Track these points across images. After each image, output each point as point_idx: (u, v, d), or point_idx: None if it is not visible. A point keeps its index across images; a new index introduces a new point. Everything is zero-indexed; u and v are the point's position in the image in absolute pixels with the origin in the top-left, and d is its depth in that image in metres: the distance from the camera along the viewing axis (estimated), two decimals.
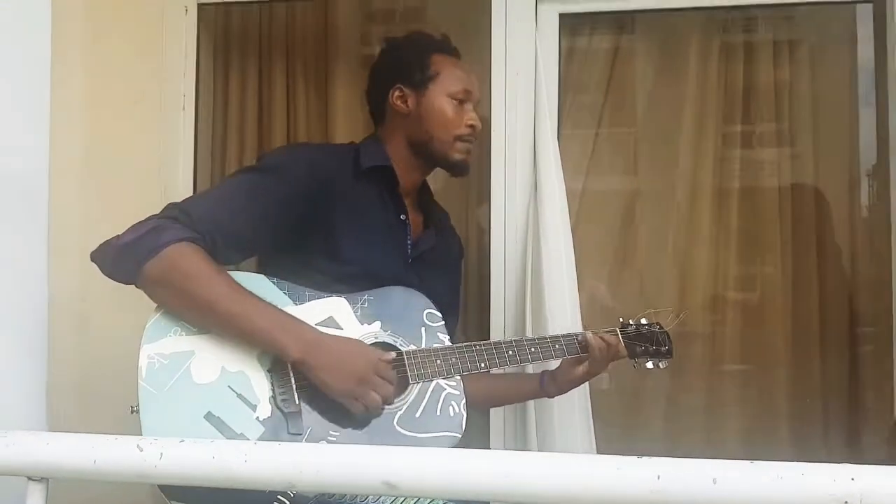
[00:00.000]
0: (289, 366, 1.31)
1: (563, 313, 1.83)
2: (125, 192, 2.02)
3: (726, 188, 2.21)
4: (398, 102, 1.57)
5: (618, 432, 2.09)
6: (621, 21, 2.25)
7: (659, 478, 0.88)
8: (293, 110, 2.36)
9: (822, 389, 2.11)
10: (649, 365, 1.59)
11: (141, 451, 1.03)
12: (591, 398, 1.85)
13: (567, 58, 2.15)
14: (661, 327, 1.64)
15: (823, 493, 0.84)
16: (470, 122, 1.57)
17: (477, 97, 1.62)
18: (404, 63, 1.59)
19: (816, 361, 2.12)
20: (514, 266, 1.94)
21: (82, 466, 1.04)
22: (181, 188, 2.17)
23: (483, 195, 2.10)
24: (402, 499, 1.29)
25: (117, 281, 1.32)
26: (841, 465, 0.86)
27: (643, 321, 1.63)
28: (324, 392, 1.30)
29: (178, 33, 2.16)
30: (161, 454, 1.01)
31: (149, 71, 2.10)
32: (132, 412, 1.25)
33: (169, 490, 1.19)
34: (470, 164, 1.62)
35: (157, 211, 1.37)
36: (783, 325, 2.14)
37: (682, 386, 2.15)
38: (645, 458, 0.90)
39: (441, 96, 1.55)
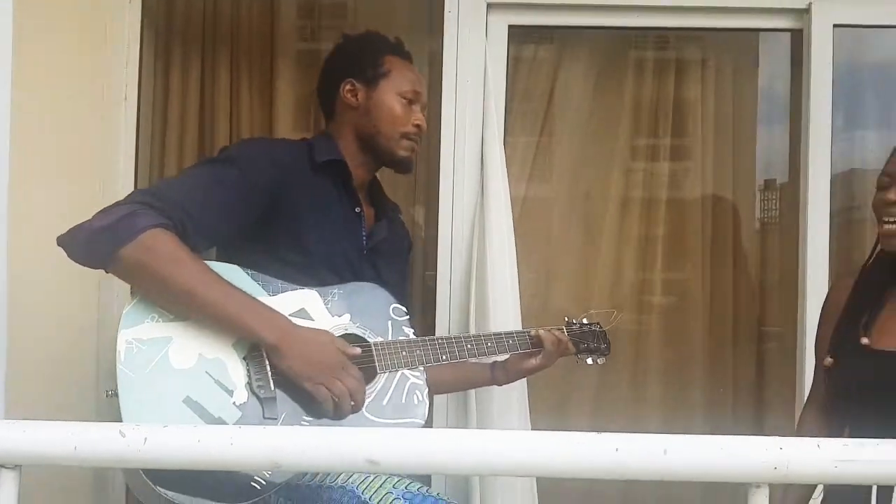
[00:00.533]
0: (264, 353, 1.35)
1: (506, 312, 1.95)
2: (65, 182, 2.00)
3: (650, 198, 2.38)
4: (348, 95, 1.62)
5: (551, 415, 2.21)
6: (564, 36, 2.37)
7: (617, 450, 0.98)
8: (236, 103, 2.38)
9: (733, 381, 2.30)
10: (589, 360, 1.73)
11: (123, 436, 1.05)
12: (527, 384, 1.96)
13: (514, 67, 2.26)
14: (601, 327, 1.77)
15: (758, 460, 0.96)
16: (416, 122, 1.63)
17: (424, 100, 1.69)
18: (357, 58, 1.64)
19: (729, 357, 2.32)
20: (459, 265, 2.05)
21: (63, 453, 1.06)
22: (121, 179, 2.17)
23: (428, 196, 2.19)
24: (369, 482, 1.35)
25: (86, 265, 1.32)
26: (771, 437, 0.98)
27: (585, 321, 1.76)
28: (293, 380, 1.35)
29: (121, 23, 2.16)
30: (145, 439, 1.04)
31: (90, 61, 2.08)
32: (107, 396, 1.27)
33: (153, 475, 1.22)
34: (413, 163, 1.69)
35: (96, 202, 1.39)
36: (700, 324, 2.33)
37: (610, 378, 2.30)
38: (604, 434, 1.00)
39: (391, 94, 1.61)
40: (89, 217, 1.32)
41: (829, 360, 1.43)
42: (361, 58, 1.63)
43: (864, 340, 1.39)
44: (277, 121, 2.38)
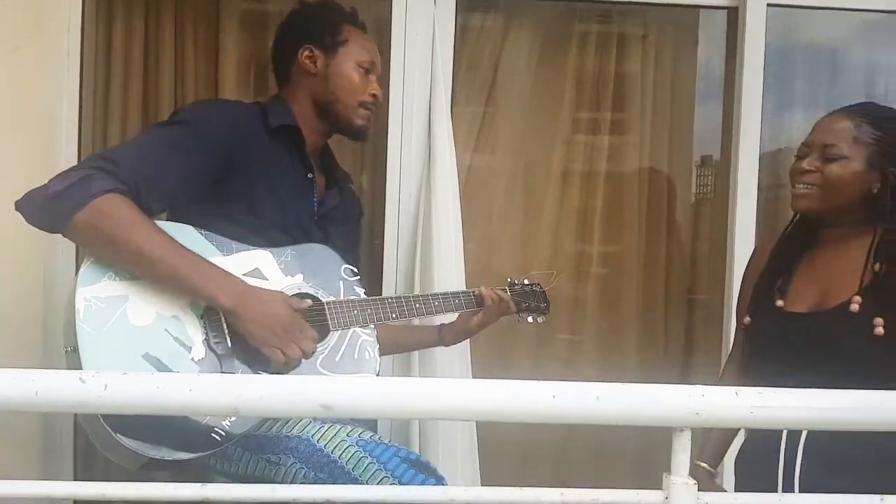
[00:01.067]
0: (221, 313, 1.39)
1: (450, 277, 2.02)
2: (9, 138, 1.97)
3: (594, 170, 2.47)
4: (307, 62, 1.64)
5: (493, 373, 2.30)
6: (510, 5, 2.42)
7: (554, 396, 1.06)
8: (181, 59, 2.35)
9: (664, 342, 2.44)
10: (529, 319, 1.82)
11: (84, 382, 1.08)
12: (470, 343, 2.05)
13: (461, 36, 2.31)
14: (541, 287, 1.85)
15: (682, 405, 1.06)
16: (373, 92, 1.67)
17: (379, 70, 1.72)
18: (316, 25, 1.66)
19: (661, 321, 2.45)
20: (406, 230, 2.11)
21: (24, 398, 1.08)
22: (65, 134, 2.15)
23: (375, 162, 2.24)
24: (323, 431, 1.41)
25: (42, 229, 1.33)
26: (694, 385, 1.08)
27: (526, 281, 1.84)
28: (250, 342, 1.39)
29: None
30: (105, 385, 1.08)
31: (33, 17, 2.04)
32: (67, 352, 1.29)
33: (115, 425, 1.25)
34: (368, 131, 1.72)
35: (41, 163, 1.38)
36: (634, 290, 2.45)
37: (549, 337, 2.40)
38: (542, 382, 1.08)
39: (349, 62, 1.64)
40: (42, 177, 1.33)
41: (747, 320, 1.55)
42: (320, 25, 1.66)
43: (779, 303, 1.50)
44: (222, 78, 2.36)
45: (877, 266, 1.40)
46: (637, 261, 2.46)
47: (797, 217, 1.56)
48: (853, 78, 2.52)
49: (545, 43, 2.45)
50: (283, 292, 1.47)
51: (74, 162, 2.14)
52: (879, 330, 1.35)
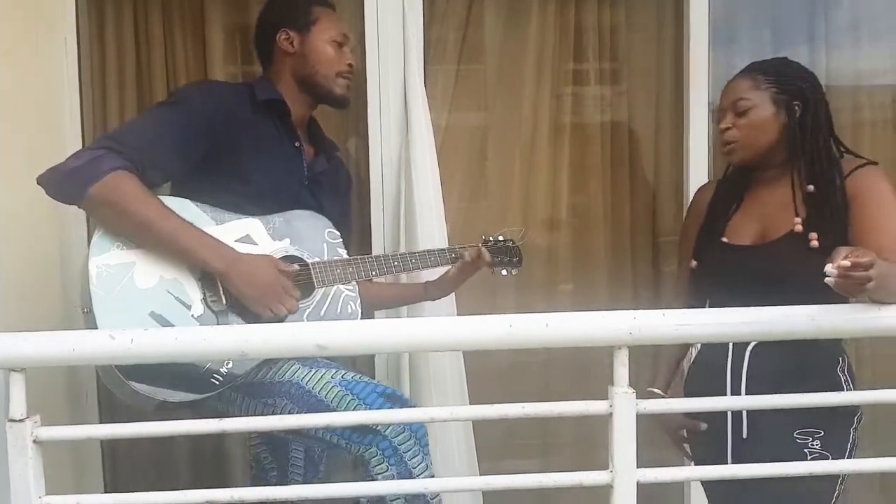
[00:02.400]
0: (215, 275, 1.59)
1: (432, 233, 2.21)
2: (17, 120, 2.09)
3: (561, 123, 2.61)
4: (285, 44, 1.81)
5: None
6: None
7: (511, 325, 1.27)
8: (170, 42, 2.48)
9: (633, 285, 2.64)
10: (504, 272, 2.00)
11: (113, 339, 1.28)
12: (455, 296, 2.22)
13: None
14: (514, 242, 2.04)
15: (617, 327, 1.27)
16: (349, 62, 1.86)
17: (353, 43, 1.91)
18: (289, 10, 1.83)
19: (628, 264, 2.64)
20: (389, 192, 2.30)
21: (63, 355, 1.28)
22: (68, 115, 2.32)
23: (358, 131, 2.41)
24: (310, 374, 1.61)
25: (60, 201, 1.54)
26: (627, 310, 1.28)
27: (500, 237, 2.02)
28: (241, 301, 1.59)
29: None
30: (132, 339, 1.28)
31: (29, 15, 2.19)
32: (83, 312, 1.50)
33: (126, 371, 1.47)
34: (349, 99, 1.90)
35: (48, 151, 1.54)
36: (603, 237, 2.63)
37: (527, 287, 2.59)
38: (500, 315, 1.28)
39: (323, 38, 1.81)
40: (61, 157, 1.53)
41: (693, 263, 1.74)
42: (293, 9, 1.83)
43: (724, 239, 1.69)
44: (210, 59, 2.49)
45: (808, 188, 1.59)
46: (603, 206, 2.63)
47: (731, 167, 1.75)
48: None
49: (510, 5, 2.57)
50: (271, 256, 1.65)
51: (78, 141, 2.32)
52: (814, 243, 1.54)
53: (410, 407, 1.61)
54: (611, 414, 1.28)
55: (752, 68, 1.68)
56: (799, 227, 1.57)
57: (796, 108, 1.61)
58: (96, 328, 1.45)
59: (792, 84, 1.63)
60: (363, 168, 2.41)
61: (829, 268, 1.18)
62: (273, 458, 1.93)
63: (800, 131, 1.61)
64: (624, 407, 1.28)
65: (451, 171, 2.48)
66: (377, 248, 2.31)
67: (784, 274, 1.57)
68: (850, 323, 1.24)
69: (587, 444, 2.56)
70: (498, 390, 2.50)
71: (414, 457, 1.55)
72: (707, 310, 1.30)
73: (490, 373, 2.44)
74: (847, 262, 1.17)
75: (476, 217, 2.59)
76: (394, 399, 1.58)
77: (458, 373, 2.27)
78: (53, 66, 2.27)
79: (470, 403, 2.31)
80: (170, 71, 2.50)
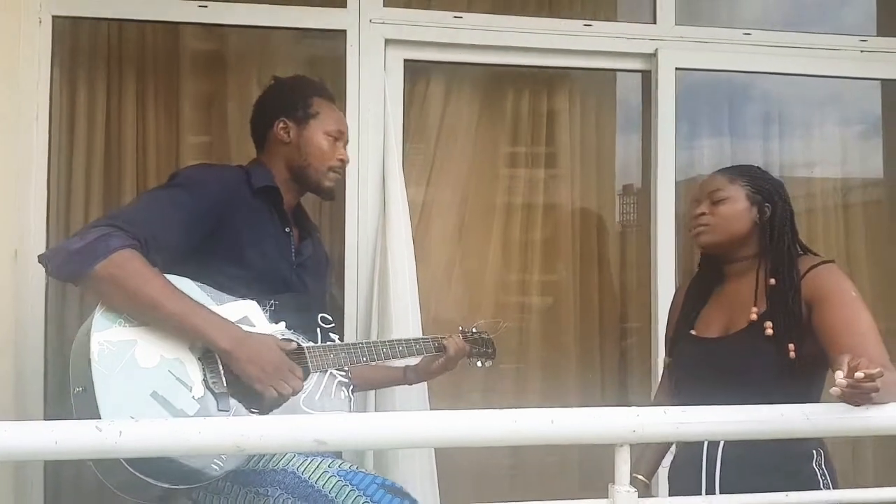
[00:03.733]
0: (216, 355, 1.54)
1: (406, 320, 2.23)
2: None
3: (530, 205, 2.70)
4: (282, 133, 1.82)
5: (447, 393, 2.47)
6: (451, 68, 2.64)
7: (515, 422, 1.25)
8: (142, 120, 2.48)
9: (601, 368, 2.67)
10: (479, 364, 2.03)
11: (100, 431, 1.21)
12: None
13: (409, 95, 2.52)
14: (489, 334, 2.07)
15: (621, 424, 1.26)
16: (341, 157, 1.86)
17: (347, 137, 1.91)
18: (290, 99, 1.84)
19: (596, 349, 2.68)
20: (364, 278, 2.31)
21: (44, 448, 1.20)
22: (34, 190, 2.26)
23: (332, 216, 2.42)
24: (307, 464, 1.56)
25: (60, 279, 1.52)
26: (630, 407, 1.28)
27: (475, 329, 2.05)
28: (245, 381, 1.54)
29: (32, 44, 2.23)
30: (120, 432, 1.21)
31: (5, 83, 2.15)
32: (77, 392, 1.43)
33: (132, 461, 1.38)
34: (336, 191, 1.91)
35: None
36: (573, 321, 2.67)
37: (497, 370, 2.60)
38: (503, 410, 1.27)
39: (319, 132, 1.83)
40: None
41: (666, 360, 1.81)
42: (293, 99, 1.84)
43: (693, 332, 1.76)
44: (182, 136, 2.50)
45: (770, 281, 1.66)
46: (572, 291, 2.68)
47: (702, 259, 1.83)
48: (754, 110, 2.85)
49: (483, 98, 2.68)
50: (274, 335, 1.62)
51: (43, 216, 2.28)
52: (769, 331, 1.60)
53: (413, 501, 1.56)
54: None
55: (729, 169, 1.79)
56: (754, 316, 1.64)
57: (767, 208, 1.71)
58: (95, 407, 1.39)
59: (764, 187, 1.74)
60: (337, 250, 2.41)
61: (840, 379, 1.22)
62: None
63: (770, 230, 1.70)
64: None
65: (421, 257, 2.50)
66: (349, 331, 2.30)
67: (743, 364, 1.63)
68: (844, 422, 1.27)
69: None
70: (467, 489, 2.48)
71: None
72: (706, 408, 1.31)
73: (457, 472, 2.43)
74: (861, 374, 1.21)
75: (446, 301, 2.60)
76: (395, 492, 1.54)
77: (428, 458, 2.24)
78: (22, 135, 2.23)
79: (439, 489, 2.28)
80: (140, 140, 2.48)
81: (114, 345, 1.46)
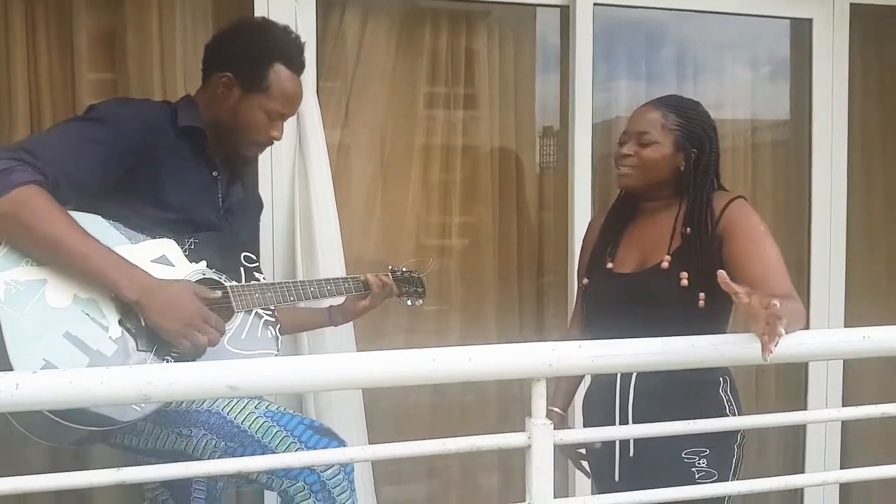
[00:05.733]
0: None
1: (332, 256, 2.18)
2: None
3: (450, 146, 2.66)
4: (222, 87, 1.66)
5: (372, 342, 2.47)
6: (366, 2, 2.54)
7: (433, 360, 1.25)
8: (33, 46, 2.30)
9: (519, 305, 2.70)
10: (409, 303, 2.01)
11: None
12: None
13: (322, 31, 2.42)
14: (418, 274, 2.04)
15: (538, 359, 1.28)
16: (273, 135, 1.71)
17: (292, 115, 1.75)
18: (246, 58, 1.66)
19: (515, 287, 2.71)
20: (281, 214, 2.24)
21: None
22: None
23: None
24: (232, 405, 1.52)
25: None
26: (546, 342, 1.30)
27: (405, 269, 2.02)
28: (156, 331, 1.47)
29: None
30: (17, 384, 1.14)
31: None
32: None
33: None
34: (255, 159, 1.81)
35: None
36: (492, 260, 2.68)
37: (419, 311, 2.59)
38: (422, 349, 1.26)
39: (260, 108, 1.67)
40: None
41: (584, 282, 1.83)
42: (250, 59, 1.66)
43: (609, 265, 1.78)
44: (78, 64, 2.33)
45: (685, 229, 1.69)
46: (492, 231, 2.69)
47: (622, 194, 1.84)
48: (669, 52, 2.87)
49: (400, 35, 2.59)
50: (190, 282, 1.56)
51: None
52: (684, 282, 1.65)
53: (340, 441, 1.55)
54: (529, 446, 1.29)
55: (666, 103, 1.76)
56: (665, 265, 1.68)
57: (693, 154, 1.72)
58: (4, 350, 1.32)
59: (695, 132, 1.73)
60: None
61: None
62: (173, 499, 1.79)
63: (693, 175, 1.72)
64: (542, 438, 1.29)
65: (342, 192, 2.44)
66: (267, 275, 2.22)
67: (654, 302, 1.68)
68: (749, 351, 1.32)
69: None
70: (391, 429, 2.49)
71: (342, 492, 1.50)
72: (620, 341, 1.33)
73: (381, 413, 2.43)
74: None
75: (370, 241, 2.56)
76: (323, 432, 1.52)
77: (357, 407, 2.23)
78: None
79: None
80: (31, 77, 2.30)
81: (21, 284, 1.38)
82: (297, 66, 1.72)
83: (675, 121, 1.72)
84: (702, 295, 1.63)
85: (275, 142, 1.74)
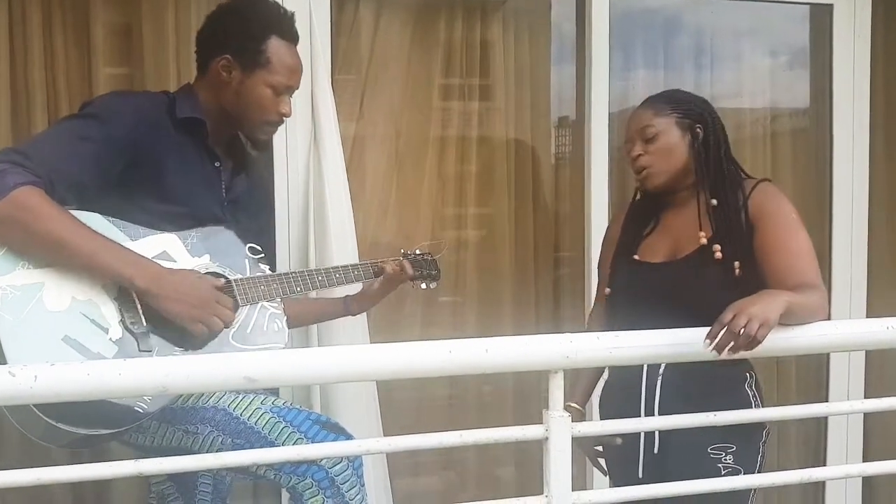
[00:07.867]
0: (134, 293, 1.46)
1: (345, 246, 2.15)
2: None
3: (465, 137, 2.64)
4: (222, 71, 1.64)
5: (388, 327, 2.46)
6: None
7: (450, 352, 1.24)
8: (49, 42, 2.30)
9: (535, 298, 2.68)
10: (423, 286, 1.98)
11: (13, 376, 1.15)
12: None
13: (337, 24, 2.40)
14: (432, 256, 2.01)
15: (555, 351, 1.27)
16: (282, 111, 1.68)
17: (297, 87, 1.72)
18: (241, 36, 1.63)
19: (531, 279, 2.69)
20: (296, 205, 2.22)
21: None
22: None
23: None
24: (238, 401, 1.52)
25: None
26: (564, 334, 1.29)
27: (418, 251, 1.99)
28: (169, 319, 1.47)
29: None
30: (35, 377, 1.15)
31: None
32: None
33: (44, 407, 1.32)
34: (270, 142, 1.78)
35: None
36: (508, 252, 2.66)
37: (435, 303, 2.59)
38: (439, 341, 1.26)
39: (264, 84, 1.64)
40: None
41: (608, 291, 1.79)
42: (245, 37, 1.63)
43: (636, 256, 1.75)
44: (94, 58, 2.33)
45: (713, 201, 1.66)
46: (508, 222, 2.67)
47: (638, 193, 1.82)
48: (686, 40, 2.83)
49: (415, 27, 2.57)
50: (195, 270, 1.55)
51: None
52: (718, 255, 1.62)
53: (348, 436, 1.54)
54: (546, 438, 1.28)
55: (650, 99, 1.76)
56: (703, 240, 1.65)
57: (698, 129, 1.70)
58: (2, 356, 1.32)
59: (690, 109, 1.72)
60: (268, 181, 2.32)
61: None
62: (179, 494, 1.80)
63: (703, 151, 1.69)
64: (560, 430, 1.29)
65: (358, 183, 2.43)
66: (282, 264, 2.22)
67: (691, 288, 1.64)
68: (773, 342, 1.30)
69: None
70: (407, 422, 2.48)
71: (351, 488, 1.49)
72: (637, 332, 1.32)
73: (397, 406, 2.42)
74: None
75: (382, 226, 2.55)
76: (330, 427, 1.51)
77: (372, 400, 2.22)
78: None
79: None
80: (48, 74, 2.31)
81: (18, 289, 1.37)
82: (293, 37, 1.70)
83: (667, 108, 1.71)
84: (737, 263, 1.61)
85: (285, 119, 1.72)
